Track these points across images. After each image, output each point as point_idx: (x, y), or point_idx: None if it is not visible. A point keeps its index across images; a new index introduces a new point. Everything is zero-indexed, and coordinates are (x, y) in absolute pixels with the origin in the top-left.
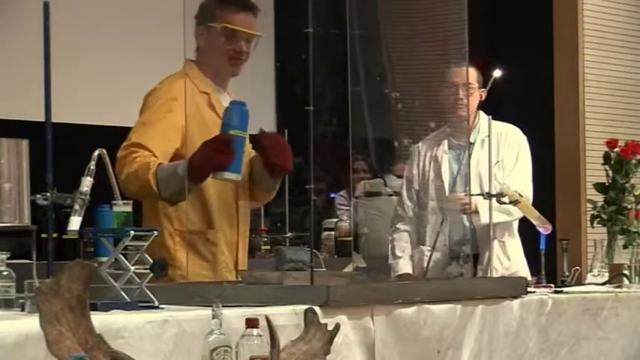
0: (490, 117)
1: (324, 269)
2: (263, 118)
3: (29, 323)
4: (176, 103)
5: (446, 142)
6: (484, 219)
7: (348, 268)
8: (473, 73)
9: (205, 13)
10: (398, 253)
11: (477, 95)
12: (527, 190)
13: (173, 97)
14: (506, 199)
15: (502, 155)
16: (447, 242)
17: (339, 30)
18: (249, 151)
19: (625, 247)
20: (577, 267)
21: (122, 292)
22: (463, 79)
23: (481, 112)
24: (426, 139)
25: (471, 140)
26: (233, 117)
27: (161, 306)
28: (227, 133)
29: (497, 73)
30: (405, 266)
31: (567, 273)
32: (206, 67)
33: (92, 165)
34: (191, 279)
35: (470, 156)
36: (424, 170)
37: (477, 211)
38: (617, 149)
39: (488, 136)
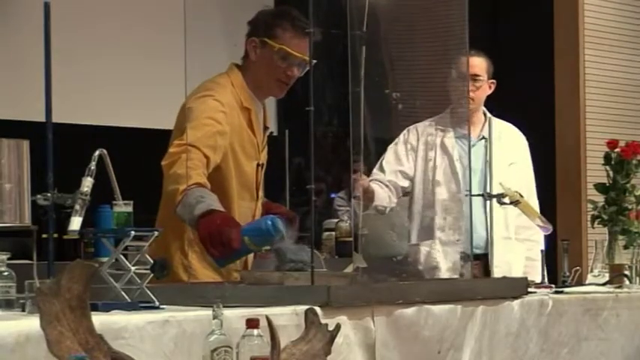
0: (490, 116)
1: (324, 270)
2: None
3: (30, 323)
4: (224, 115)
5: (452, 130)
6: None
7: (349, 269)
8: (482, 64)
9: (264, 26)
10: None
11: (486, 87)
12: (535, 201)
13: (222, 110)
14: (506, 200)
15: (514, 159)
16: (459, 238)
17: (339, 30)
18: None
19: (626, 247)
20: (578, 267)
21: (123, 293)
22: (471, 70)
23: (484, 108)
24: (424, 122)
25: (485, 135)
26: (259, 233)
27: (162, 306)
28: (241, 237)
29: None
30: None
31: (568, 273)
32: (252, 78)
33: (93, 165)
34: None
35: (489, 152)
36: (429, 157)
37: (370, 197)
38: (617, 149)
39: (489, 135)
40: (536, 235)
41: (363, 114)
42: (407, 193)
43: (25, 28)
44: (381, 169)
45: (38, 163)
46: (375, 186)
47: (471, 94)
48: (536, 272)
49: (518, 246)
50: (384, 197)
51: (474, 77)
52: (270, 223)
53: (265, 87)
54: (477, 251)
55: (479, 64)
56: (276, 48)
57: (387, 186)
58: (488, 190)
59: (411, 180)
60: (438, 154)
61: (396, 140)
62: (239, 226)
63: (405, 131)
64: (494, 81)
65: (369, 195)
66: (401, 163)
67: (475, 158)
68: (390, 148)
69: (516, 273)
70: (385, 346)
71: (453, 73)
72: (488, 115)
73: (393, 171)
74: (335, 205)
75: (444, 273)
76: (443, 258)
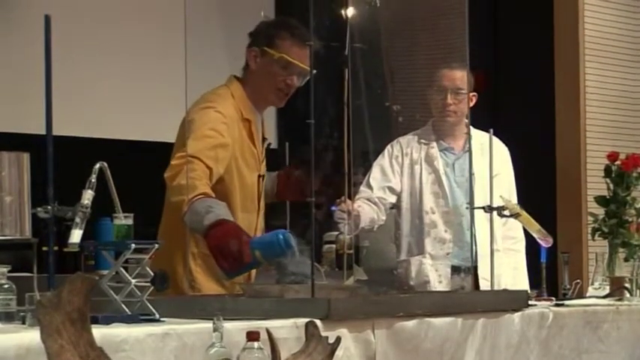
0: (491, 130)
1: (325, 282)
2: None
3: (30, 336)
4: (226, 127)
5: (435, 143)
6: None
7: (349, 282)
8: (464, 77)
9: (264, 36)
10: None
11: (467, 100)
12: None
13: (223, 122)
14: (507, 212)
15: (498, 169)
16: (450, 252)
17: (339, 42)
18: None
19: (626, 260)
20: (578, 280)
21: (123, 305)
22: (453, 83)
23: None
24: (407, 136)
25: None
26: (271, 247)
27: (162, 319)
28: (252, 251)
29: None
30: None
31: (568, 286)
32: (251, 89)
33: (93, 178)
34: None
35: (471, 165)
36: (415, 171)
37: (357, 215)
38: (618, 162)
39: (490, 150)
40: (518, 244)
41: (351, 127)
42: (394, 206)
43: (25, 40)
44: (369, 186)
45: (38, 175)
46: (362, 204)
47: (454, 107)
48: (522, 282)
49: (505, 257)
50: (371, 217)
51: (457, 90)
52: (282, 237)
53: (265, 96)
54: (466, 264)
55: (461, 77)
56: (276, 57)
57: (375, 203)
58: (488, 203)
59: (399, 195)
60: (423, 168)
61: (381, 155)
62: (249, 239)
63: (388, 146)
64: (475, 94)
65: (355, 220)
66: (388, 178)
67: (461, 171)
68: (376, 164)
69: (505, 284)
70: (386, 359)
71: (434, 86)
72: (471, 127)
73: (381, 187)
74: (335, 218)
75: (436, 288)
76: (434, 272)
